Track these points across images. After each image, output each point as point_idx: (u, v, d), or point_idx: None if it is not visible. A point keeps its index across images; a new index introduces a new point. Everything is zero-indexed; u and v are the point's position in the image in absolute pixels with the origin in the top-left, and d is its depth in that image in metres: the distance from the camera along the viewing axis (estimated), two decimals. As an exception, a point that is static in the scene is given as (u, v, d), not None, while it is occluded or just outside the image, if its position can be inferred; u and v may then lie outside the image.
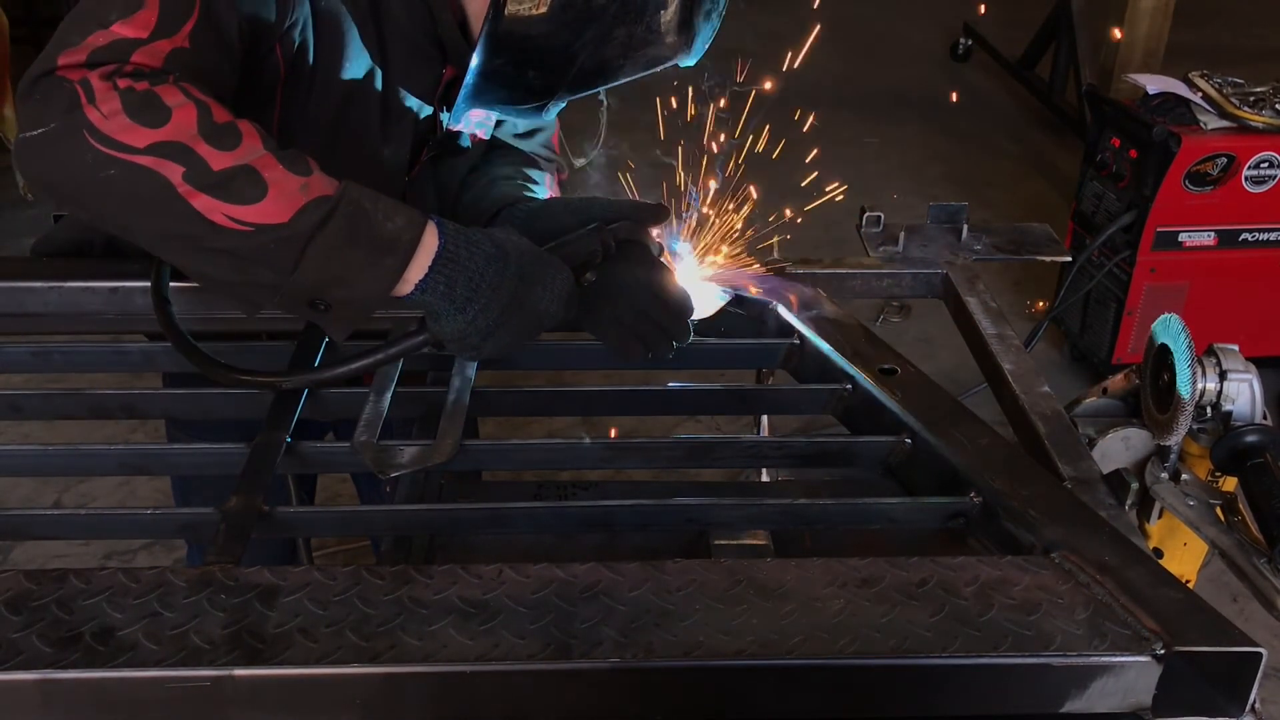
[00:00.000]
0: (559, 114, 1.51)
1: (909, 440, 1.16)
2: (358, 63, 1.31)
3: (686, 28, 1.27)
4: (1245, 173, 3.26)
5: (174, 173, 1.04)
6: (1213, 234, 3.36)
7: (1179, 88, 3.31)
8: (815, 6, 2.02)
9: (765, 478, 1.76)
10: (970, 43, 6.53)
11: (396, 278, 1.09)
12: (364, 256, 1.07)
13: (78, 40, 1.07)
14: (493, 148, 1.57)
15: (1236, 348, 1.29)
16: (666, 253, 1.36)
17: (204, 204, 1.05)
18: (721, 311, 1.41)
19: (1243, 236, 3.37)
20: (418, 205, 1.16)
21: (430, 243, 1.10)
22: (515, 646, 0.83)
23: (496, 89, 1.31)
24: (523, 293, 1.13)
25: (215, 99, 1.09)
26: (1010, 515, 1.03)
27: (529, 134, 1.60)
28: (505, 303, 1.12)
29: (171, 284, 1.38)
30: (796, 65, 1.74)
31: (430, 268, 1.10)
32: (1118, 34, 4.56)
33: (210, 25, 1.14)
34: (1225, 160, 3.24)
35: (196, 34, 1.12)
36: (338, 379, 1.17)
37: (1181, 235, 3.34)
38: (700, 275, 1.41)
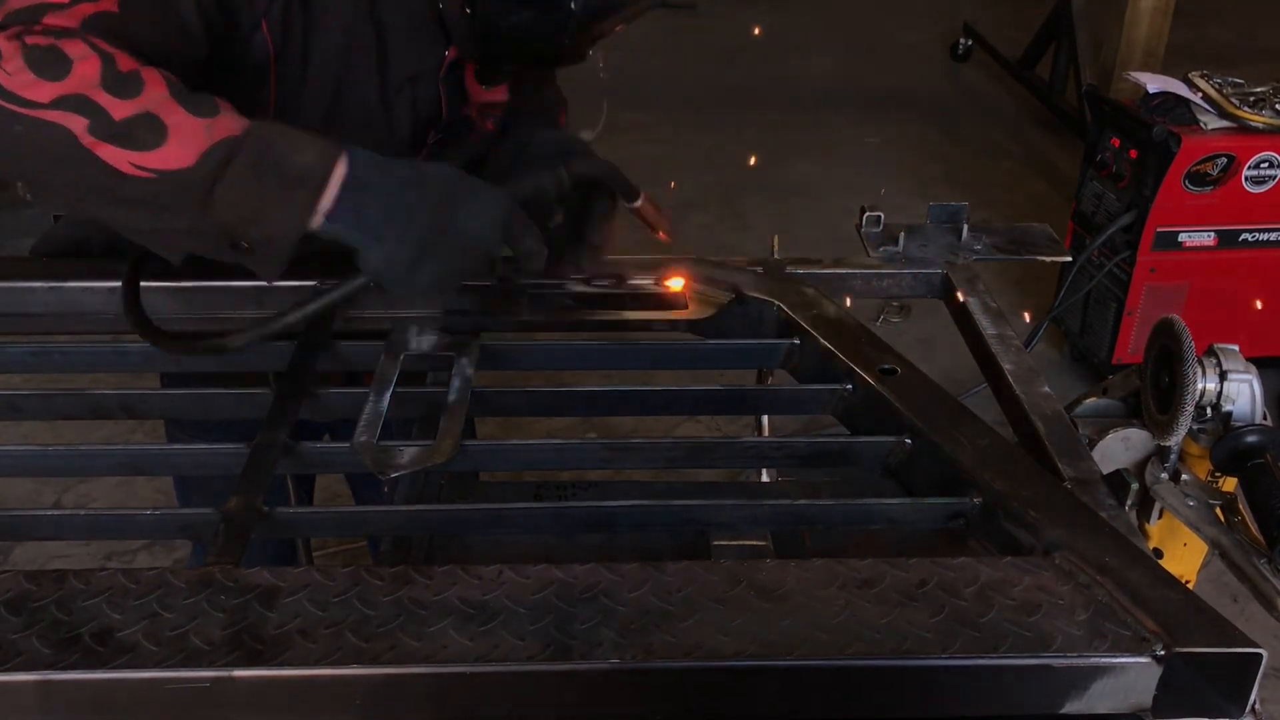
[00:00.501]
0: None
1: (909, 440, 1.16)
2: (353, 42, 1.31)
3: None
4: (1245, 173, 3.26)
5: (78, 125, 1.02)
6: (1213, 234, 3.36)
7: (1179, 88, 3.31)
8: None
9: (765, 478, 1.76)
10: (970, 43, 6.54)
11: (309, 211, 1.06)
12: (274, 193, 1.05)
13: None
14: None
15: (1236, 348, 1.28)
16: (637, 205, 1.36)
17: (110, 154, 1.03)
18: (721, 311, 1.41)
19: (1243, 236, 3.38)
20: None
21: (342, 172, 1.07)
22: (515, 647, 0.83)
23: (501, 64, 1.33)
24: (445, 218, 1.10)
25: (128, 50, 1.06)
26: (1010, 516, 1.03)
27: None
28: (424, 229, 1.09)
29: (168, 284, 1.39)
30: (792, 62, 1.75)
31: (337, 197, 1.07)
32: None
33: None
34: (1225, 160, 3.24)
35: (128, 1, 1.10)
36: (286, 328, 1.14)
37: (1181, 235, 3.35)
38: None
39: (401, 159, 1.13)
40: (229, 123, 1.06)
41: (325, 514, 1.19)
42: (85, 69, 1.03)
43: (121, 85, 1.04)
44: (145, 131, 1.03)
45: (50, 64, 1.03)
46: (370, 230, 1.09)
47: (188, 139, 1.04)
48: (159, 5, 1.13)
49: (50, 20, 1.06)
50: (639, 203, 1.33)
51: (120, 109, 1.03)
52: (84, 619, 0.85)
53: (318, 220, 1.08)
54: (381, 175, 1.09)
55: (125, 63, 1.05)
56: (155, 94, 1.05)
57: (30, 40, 1.04)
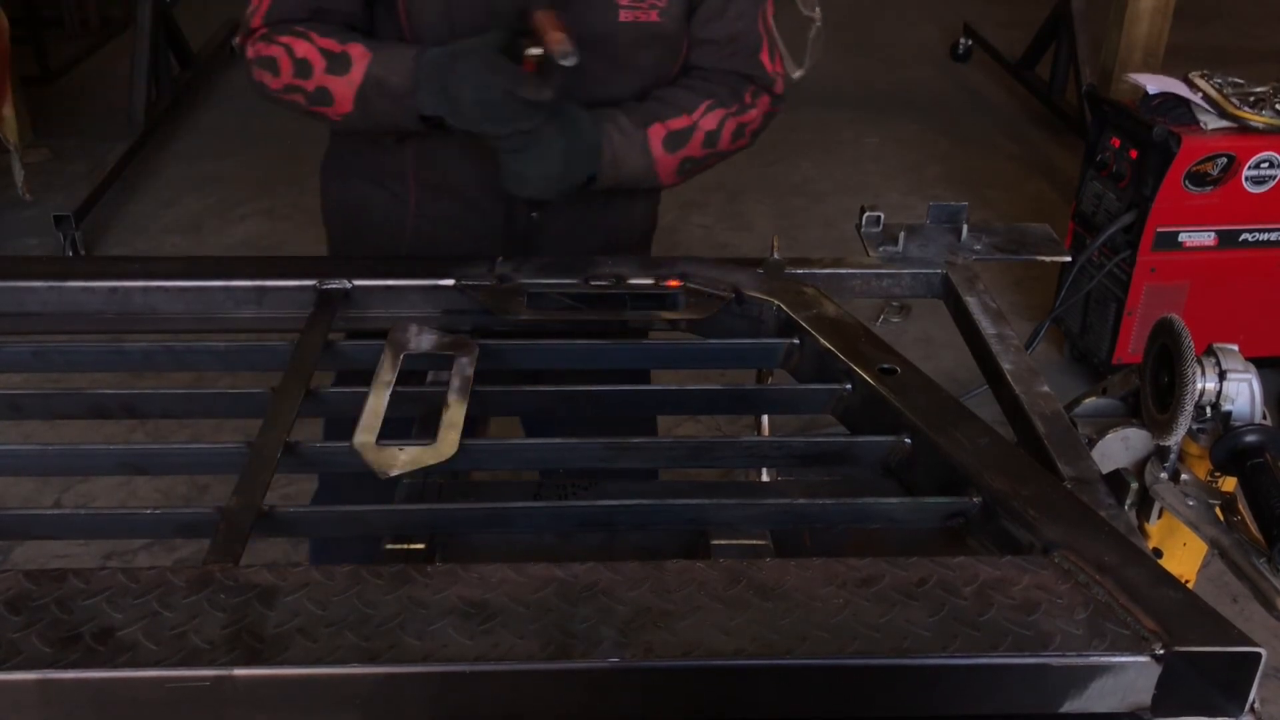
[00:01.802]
0: (764, 25, 1.65)
1: (909, 440, 1.16)
2: None
3: None
4: (1245, 173, 3.26)
5: (300, 99, 1.57)
6: (1213, 234, 3.36)
7: (1179, 88, 3.31)
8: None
9: (765, 477, 1.76)
10: (970, 43, 6.54)
11: (411, 109, 1.51)
12: (395, 106, 1.53)
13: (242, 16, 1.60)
14: (691, 70, 1.65)
15: (1236, 348, 1.29)
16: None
17: (318, 111, 1.58)
18: (721, 311, 1.41)
19: (1243, 236, 3.37)
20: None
21: (412, 82, 1.50)
22: (515, 646, 0.84)
23: None
24: (451, 69, 1.46)
25: (298, 36, 1.54)
26: (1010, 515, 1.03)
27: (726, 44, 1.64)
28: (450, 81, 1.46)
29: (175, 283, 1.39)
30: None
31: (417, 98, 1.50)
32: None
33: None
34: (1225, 160, 3.24)
35: None
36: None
37: (1181, 235, 3.34)
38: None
39: (444, 46, 1.50)
40: (358, 69, 1.52)
41: (325, 514, 1.20)
42: (282, 66, 1.54)
43: (302, 70, 1.53)
44: (325, 98, 1.55)
45: (268, 66, 1.56)
46: (435, 105, 1.49)
47: (344, 95, 1.54)
48: None
49: (254, 23, 1.58)
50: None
51: (308, 85, 1.54)
52: (84, 618, 0.85)
53: (418, 108, 1.51)
54: (429, 65, 1.48)
55: (300, 49, 1.53)
56: (318, 70, 1.53)
57: (250, 52, 1.58)
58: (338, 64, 1.52)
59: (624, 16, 1.57)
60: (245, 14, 1.60)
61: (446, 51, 1.48)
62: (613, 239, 1.76)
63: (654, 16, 1.59)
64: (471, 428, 1.16)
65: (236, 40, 1.62)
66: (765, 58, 1.70)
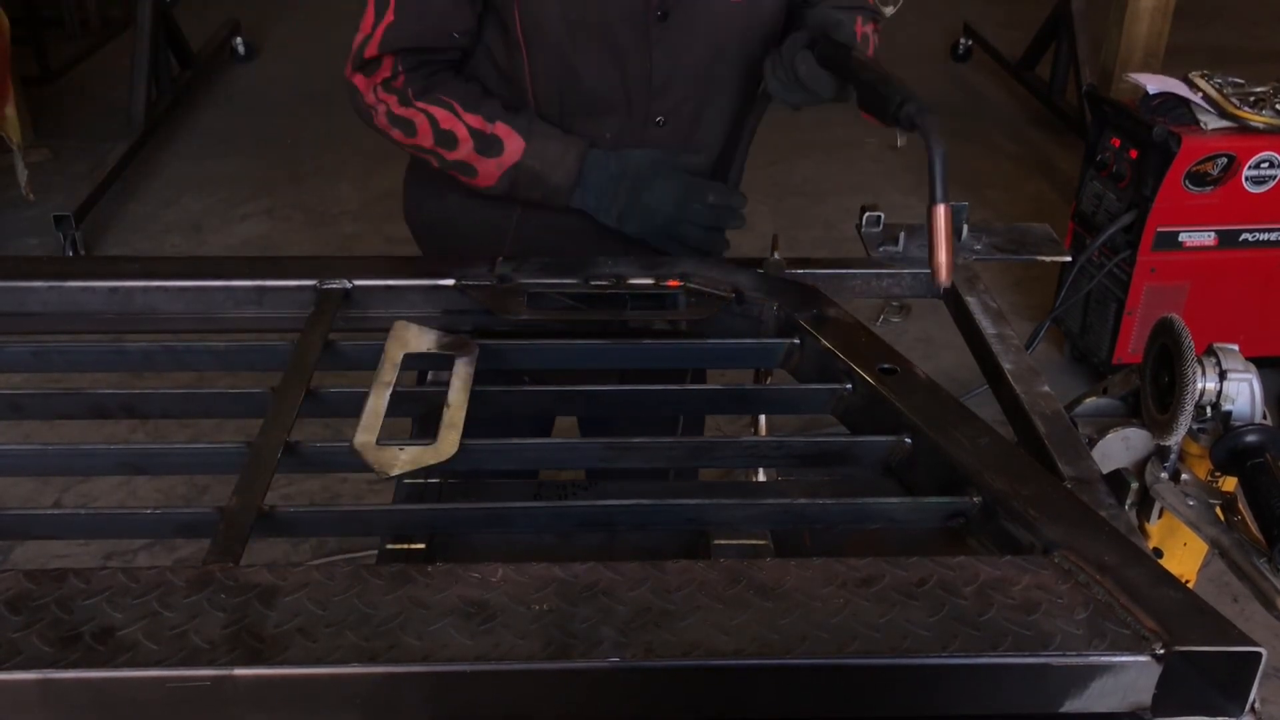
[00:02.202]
0: None
1: (909, 440, 1.16)
2: None
3: None
4: (1245, 173, 3.26)
5: (434, 159, 1.61)
6: (1213, 234, 3.36)
7: (1179, 88, 3.31)
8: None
9: (764, 477, 1.76)
10: (970, 43, 6.53)
11: (565, 202, 1.62)
12: (543, 195, 1.62)
13: (351, 45, 1.57)
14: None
15: (1236, 348, 1.28)
16: None
17: (455, 175, 1.63)
18: (721, 311, 1.41)
19: (1243, 236, 3.37)
20: (671, 59, 1.58)
21: (574, 181, 1.61)
22: (515, 646, 0.84)
23: None
24: (634, 195, 1.58)
25: (440, 105, 1.57)
26: (1010, 515, 1.03)
27: None
28: (623, 204, 1.60)
29: (175, 283, 1.39)
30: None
31: (576, 196, 1.62)
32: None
33: None
34: (1225, 160, 3.24)
35: (400, 3, 1.52)
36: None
37: (1181, 235, 3.34)
38: None
39: (619, 154, 1.60)
40: (510, 154, 1.57)
41: (325, 513, 1.19)
42: (423, 130, 1.57)
43: (446, 141, 1.57)
44: (468, 171, 1.60)
45: (401, 126, 1.58)
46: (596, 208, 1.61)
47: (489, 173, 1.60)
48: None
49: (369, 52, 1.54)
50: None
51: (451, 156, 1.59)
52: (84, 618, 0.85)
53: (571, 204, 1.61)
54: (600, 172, 1.59)
55: (445, 121, 1.56)
56: (465, 148, 1.58)
57: (371, 99, 1.58)
58: (488, 146, 1.56)
59: None
60: (355, 42, 1.55)
61: (628, 165, 1.58)
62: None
63: None
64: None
65: (346, 70, 1.58)
66: None
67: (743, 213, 1.62)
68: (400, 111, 1.57)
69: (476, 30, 1.59)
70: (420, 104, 1.56)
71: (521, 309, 1.40)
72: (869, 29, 1.68)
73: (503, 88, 1.64)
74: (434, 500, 1.22)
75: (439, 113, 1.56)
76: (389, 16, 1.52)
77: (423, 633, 0.84)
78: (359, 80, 1.58)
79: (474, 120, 1.56)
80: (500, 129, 1.56)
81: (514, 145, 1.56)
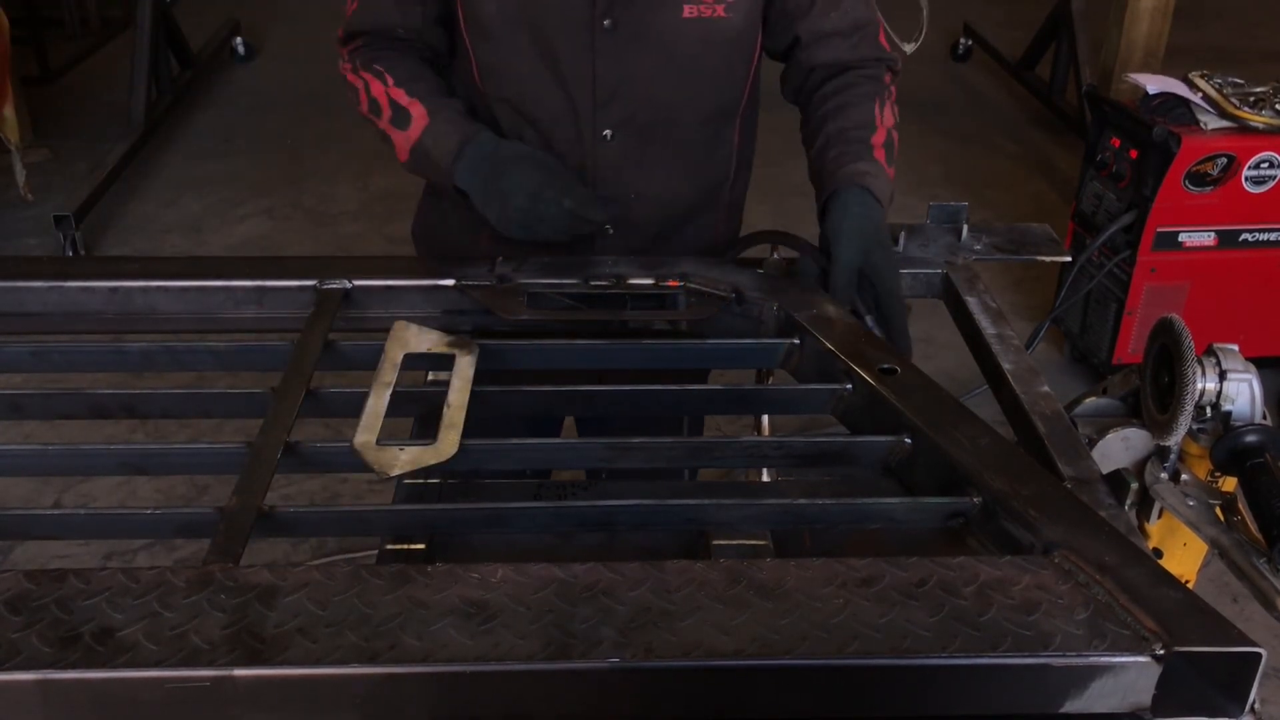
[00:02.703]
0: (873, 7, 1.67)
1: (909, 440, 1.16)
2: None
3: None
4: (1245, 173, 3.26)
5: (373, 128, 1.66)
6: (1213, 234, 3.36)
7: (1179, 88, 3.31)
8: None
9: (765, 477, 1.76)
10: (970, 43, 6.54)
11: (450, 181, 1.59)
12: (435, 173, 1.61)
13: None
14: (818, 68, 1.65)
15: (1236, 348, 1.28)
16: None
17: (390, 147, 1.65)
18: (721, 311, 1.41)
19: (1243, 236, 3.37)
20: (618, 70, 1.55)
21: (451, 163, 1.58)
22: (515, 646, 0.84)
23: None
24: (495, 182, 1.54)
25: (376, 75, 1.62)
26: (1010, 515, 1.03)
27: (851, 33, 1.63)
28: (486, 188, 1.54)
29: (175, 283, 1.39)
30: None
31: (456, 176, 1.58)
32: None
33: None
34: (1225, 160, 3.24)
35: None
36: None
37: (1181, 235, 3.34)
38: None
39: (501, 141, 1.57)
40: (415, 130, 1.59)
41: (325, 513, 1.19)
42: (360, 100, 1.64)
43: (375, 109, 1.62)
44: (388, 141, 1.63)
45: (351, 91, 1.65)
46: (470, 188, 1.57)
47: (401, 147, 1.61)
48: None
49: (340, 33, 1.66)
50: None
51: (377, 124, 1.64)
52: (84, 618, 0.85)
53: (455, 183, 1.59)
54: (475, 153, 1.55)
55: (375, 90, 1.62)
56: (385, 118, 1.61)
57: (341, 67, 1.67)
58: (400, 119, 1.60)
59: (688, 13, 1.53)
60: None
61: (500, 149, 1.55)
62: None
63: (720, 12, 1.55)
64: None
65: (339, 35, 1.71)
66: (884, 39, 1.69)
67: (605, 227, 1.61)
68: (350, 78, 1.65)
69: (435, 26, 1.64)
70: (363, 73, 1.63)
71: (521, 309, 1.40)
72: (889, 99, 1.64)
73: (471, 96, 1.65)
74: (434, 500, 1.22)
75: (374, 83, 1.61)
76: (352, 4, 1.65)
77: (423, 633, 0.84)
78: (340, 51, 1.69)
79: (398, 94, 1.60)
80: (415, 106, 1.59)
81: (419, 123, 1.58)
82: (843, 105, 1.60)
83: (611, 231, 1.63)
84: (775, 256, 1.52)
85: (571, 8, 1.51)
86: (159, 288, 1.42)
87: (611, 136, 1.59)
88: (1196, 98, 3.27)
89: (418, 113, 1.58)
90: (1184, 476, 1.33)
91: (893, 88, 1.67)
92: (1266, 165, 3.26)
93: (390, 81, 1.61)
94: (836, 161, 1.54)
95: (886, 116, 1.61)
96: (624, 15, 1.51)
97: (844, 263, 1.42)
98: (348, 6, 1.66)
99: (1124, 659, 0.84)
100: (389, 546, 1.15)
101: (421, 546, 1.14)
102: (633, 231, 1.66)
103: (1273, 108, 3.23)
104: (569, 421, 2.09)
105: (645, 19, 1.52)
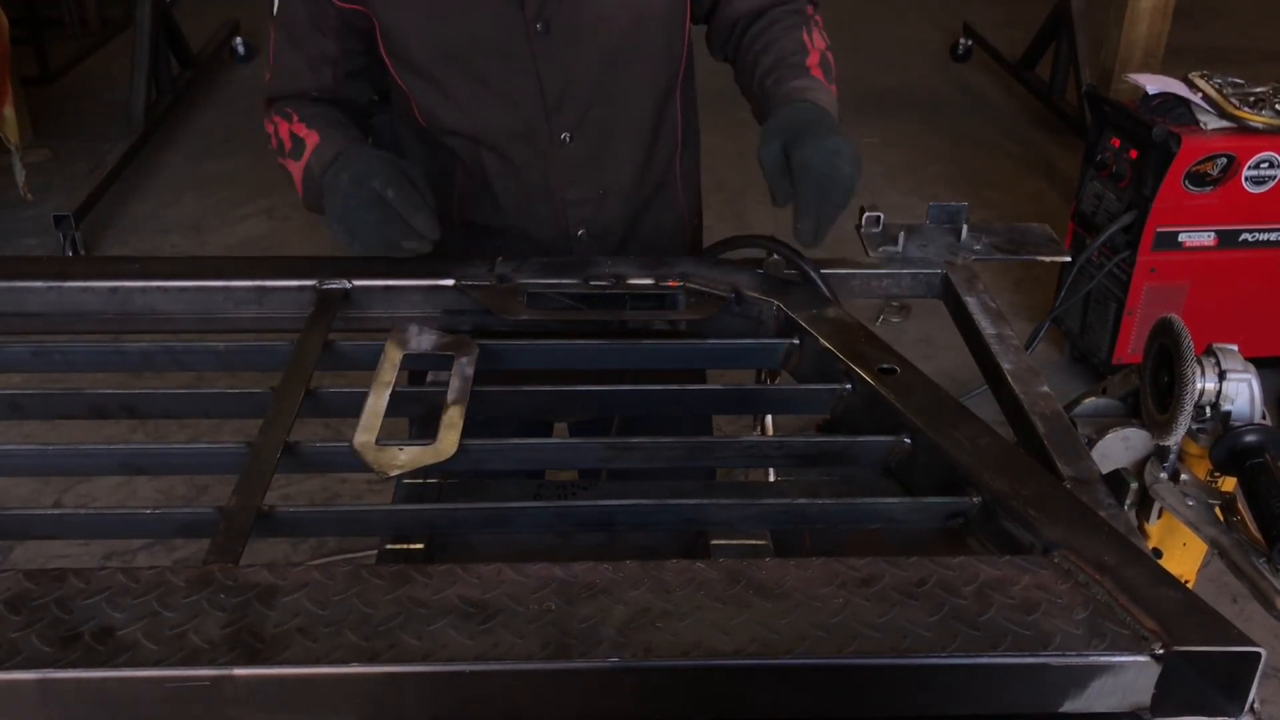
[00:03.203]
0: None
1: (909, 440, 1.16)
2: None
3: None
4: (1245, 173, 3.26)
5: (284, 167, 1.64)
6: (1213, 234, 3.36)
7: (1179, 88, 3.31)
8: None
9: (772, 477, 1.76)
10: (970, 43, 6.54)
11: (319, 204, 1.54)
12: (316, 198, 1.55)
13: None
14: (742, 18, 1.65)
15: (1236, 347, 1.28)
16: None
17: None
18: (721, 311, 1.41)
19: (1243, 236, 3.38)
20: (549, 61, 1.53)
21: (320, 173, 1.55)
22: (515, 646, 0.84)
23: None
24: (334, 183, 1.48)
25: (284, 117, 1.62)
26: (1010, 515, 1.03)
27: None
28: (331, 193, 1.49)
29: (175, 283, 1.39)
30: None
31: (320, 193, 1.53)
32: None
33: (288, 39, 1.62)
34: (1225, 160, 3.24)
35: (279, 53, 1.64)
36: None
37: (1181, 235, 3.34)
38: None
39: (358, 150, 1.52)
40: (306, 155, 1.57)
41: (325, 513, 1.19)
42: (271, 143, 1.64)
43: (280, 147, 1.62)
44: (290, 178, 1.61)
45: (267, 142, 1.65)
46: (325, 191, 1.51)
47: (297, 178, 1.60)
48: (288, 62, 1.64)
49: (259, 101, 1.69)
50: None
51: (283, 162, 1.62)
52: (84, 618, 0.85)
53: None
54: (338, 166, 1.49)
55: (282, 131, 1.62)
56: (285, 155, 1.61)
57: (262, 123, 1.67)
58: (296, 150, 1.58)
59: None
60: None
61: (364, 150, 1.50)
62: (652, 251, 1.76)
63: None
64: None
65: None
66: None
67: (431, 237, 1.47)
68: (266, 126, 1.65)
69: (351, 81, 1.65)
70: (275, 116, 1.64)
71: (521, 309, 1.40)
72: (815, 26, 1.64)
73: (420, 137, 1.66)
74: (433, 500, 1.22)
75: (281, 124, 1.62)
76: (269, 74, 1.67)
77: (422, 633, 0.84)
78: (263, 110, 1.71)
79: (299, 128, 1.60)
80: (310, 136, 1.58)
81: (310, 148, 1.57)
82: (770, 41, 1.62)
83: (582, 234, 1.66)
84: (775, 256, 1.52)
85: (502, 19, 1.50)
86: (159, 288, 1.42)
87: (570, 139, 1.60)
88: (1196, 98, 3.27)
89: (311, 141, 1.57)
90: (1184, 476, 1.33)
91: (817, 16, 1.68)
92: (1266, 165, 3.26)
93: (295, 119, 1.61)
94: (775, 87, 1.55)
95: (817, 40, 1.63)
96: (555, 14, 1.52)
97: (761, 158, 1.41)
98: (265, 75, 1.68)
99: (1123, 659, 0.84)
100: (388, 546, 1.15)
101: (421, 546, 1.14)
102: (604, 226, 1.68)
103: (1273, 108, 3.23)
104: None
105: (577, 12, 1.53)
